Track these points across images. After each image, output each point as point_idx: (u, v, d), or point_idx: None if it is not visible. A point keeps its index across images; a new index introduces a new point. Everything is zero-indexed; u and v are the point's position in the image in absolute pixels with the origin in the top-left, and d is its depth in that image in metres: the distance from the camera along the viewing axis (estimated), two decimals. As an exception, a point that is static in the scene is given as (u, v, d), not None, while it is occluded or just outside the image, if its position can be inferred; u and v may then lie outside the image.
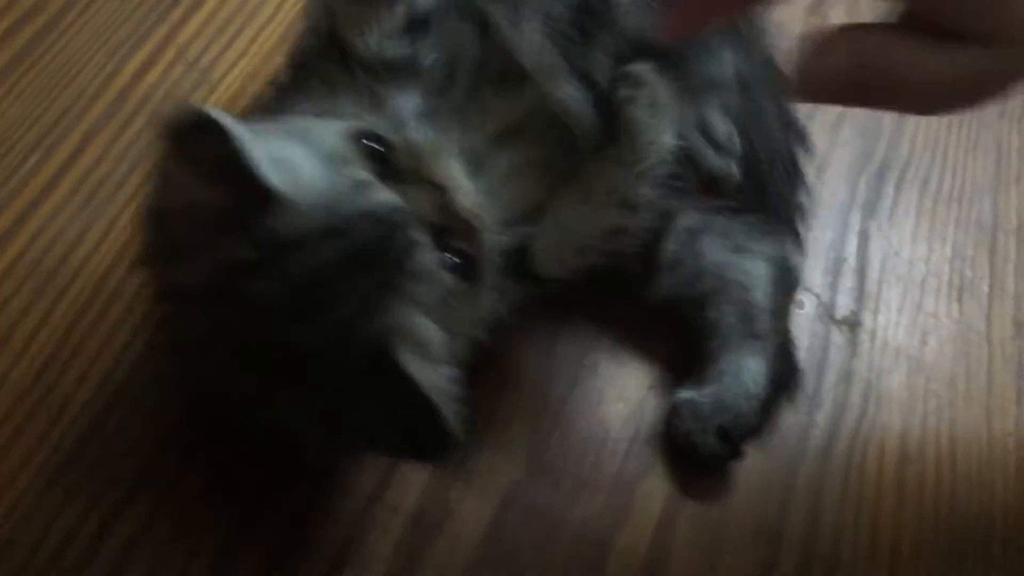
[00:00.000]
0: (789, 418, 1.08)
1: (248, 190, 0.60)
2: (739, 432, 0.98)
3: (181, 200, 0.65)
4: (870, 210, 1.27)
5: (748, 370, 1.01)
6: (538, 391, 1.03)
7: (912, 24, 0.48)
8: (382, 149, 0.71)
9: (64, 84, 1.09)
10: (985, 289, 1.24)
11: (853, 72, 0.48)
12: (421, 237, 0.68)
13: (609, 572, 0.93)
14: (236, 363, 0.65)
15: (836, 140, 1.30)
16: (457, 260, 0.72)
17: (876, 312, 1.18)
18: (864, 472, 1.06)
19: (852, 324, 1.17)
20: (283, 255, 0.61)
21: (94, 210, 1.02)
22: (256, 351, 0.63)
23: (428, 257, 0.68)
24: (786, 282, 1.07)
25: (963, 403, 1.14)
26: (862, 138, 1.33)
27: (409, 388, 0.62)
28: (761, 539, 0.99)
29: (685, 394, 1.00)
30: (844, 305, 1.18)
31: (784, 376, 1.05)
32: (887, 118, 1.36)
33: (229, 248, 0.62)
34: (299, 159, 0.66)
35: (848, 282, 1.20)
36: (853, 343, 1.15)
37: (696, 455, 0.98)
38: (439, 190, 0.72)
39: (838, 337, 1.15)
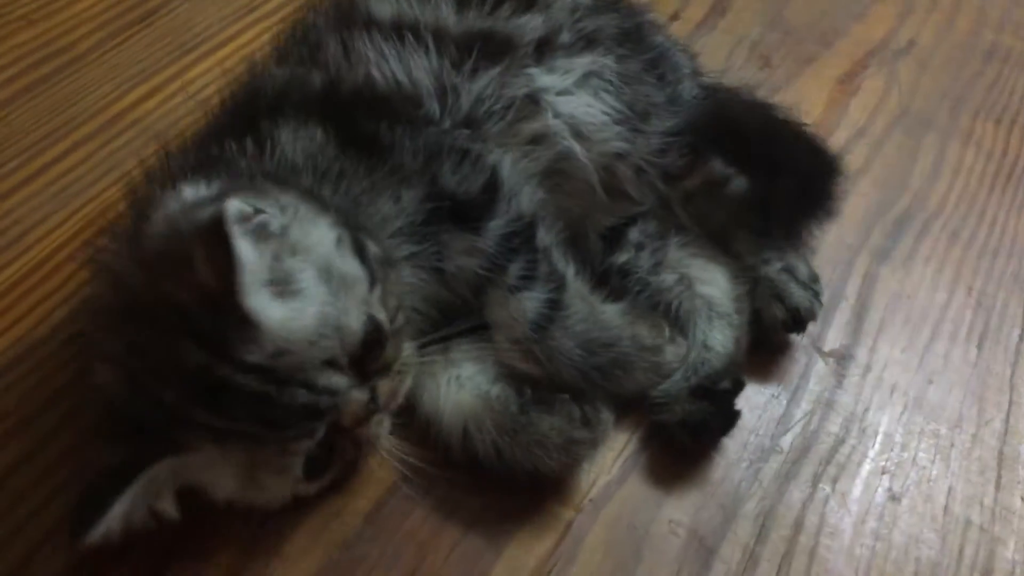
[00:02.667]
0: (750, 438, 0.96)
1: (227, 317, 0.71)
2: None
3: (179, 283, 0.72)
4: (882, 255, 1.17)
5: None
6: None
7: None
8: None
9: (71, 104, 1.21)
10: (1015, 337, 1.09)
11: None
12: (318, 431, 0.77)
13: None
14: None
15: (855, 189, 1.22)
16: (315, 457, 0.80)
17: (873, 350, 1.07)
18: (830, 502, 0.94)
19: (841, 357, 1.05)
20: (227, 365, 0.72)
21: (60, 201, 1.09)
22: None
23: (306, 443, 0.78)
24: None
25: (969, 445, 0.98)
26: (883, 189, 1.25)
27: None
28: (692, 553, 0.89)
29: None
30: (835, 339, 1.07)
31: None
32: (916, 173, 1.27)
33: (184, 347, 0.73)
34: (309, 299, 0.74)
35: (844, 318, 1.09)
36: (839, 375, 1.03)
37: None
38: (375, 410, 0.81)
39: (822, 367, 1.04)
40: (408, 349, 0.86)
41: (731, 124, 1.10)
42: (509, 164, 0.96)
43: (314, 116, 0.91)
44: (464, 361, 0.93)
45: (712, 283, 1.03)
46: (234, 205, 0.70)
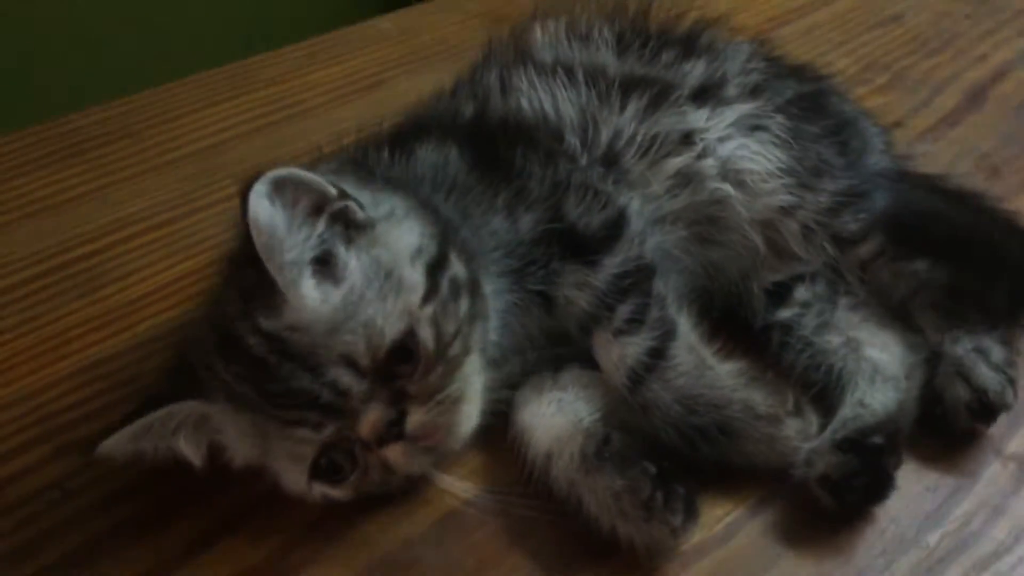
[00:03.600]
0: (889, 526, 0.83)
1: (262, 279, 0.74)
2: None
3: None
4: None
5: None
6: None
7: None
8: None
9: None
10: None
11: None
12: (322, 427, 0.76)
13: None
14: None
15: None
16: (332, 460, 0.78)
17: (1072, 465, 0.89)
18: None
19: (1023, 463, 0.89)
20: (245, 322, 0.75)
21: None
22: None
23: (308, 435, 0.76)
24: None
25: None
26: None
27: None
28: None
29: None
30: (1021, 444, 0.91)
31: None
32: None
33: (229, 296, 0.78)
34: (353, 282, 0.76)
35: None
36: (1020, 481, 0.87)
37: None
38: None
39: (998, 469, 0.89)
40: (475, 383, 0.82)
41: (932, 211, 1.02)
42: (639, 206, 0.92)
43: (456, 138, 0.94)
44: (572, 386, 0.88)
45: (882, 348, 0.93)
46: (276, 173, 0.72)
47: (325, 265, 0.76)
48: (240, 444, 0.80)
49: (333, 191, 0.77)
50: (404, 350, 0.76)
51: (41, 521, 0.83)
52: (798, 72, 1.10)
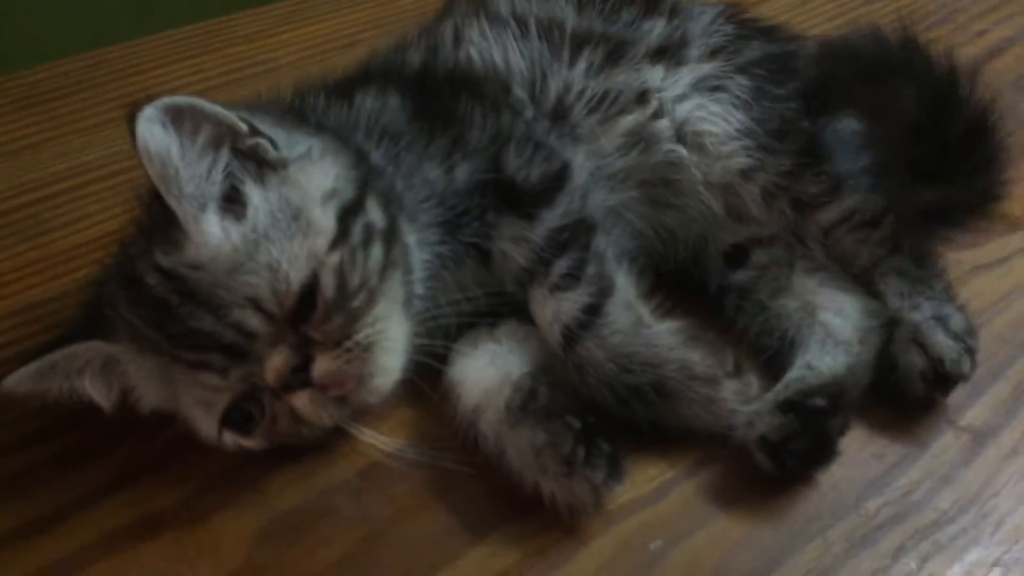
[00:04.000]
0: (828, 492, 0.80)
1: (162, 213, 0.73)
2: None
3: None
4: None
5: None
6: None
7: None
8: None
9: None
10: None
11: None
12: (228, 371, 0.73)
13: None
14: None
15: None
16: (241, 408, 0.76)
17: (1028, 436, 0.85)
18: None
19: (979, 434, 0.86)
20: (145, 260, 0.74)
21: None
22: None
23: (214, 379, 0.74)
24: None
25: None
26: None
27: None
28: None
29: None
30: (979, 415, 0.87)
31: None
32: None
33: (133, 236, 0.78)
34: (259, 209, 0.74)
35: (999, 395, 0.89)
36: (970, 453, 0.84)
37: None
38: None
39: (950, 440, 0.85)
40: (392, 334, 0.78)
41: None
42: (583, 161, 0.90)
43: (400, 86, 0.91)
44: (507, 339, 0.86)
45: (837, 312, 0.89)
46: (170, 100, 0.70)
47: (231, 203, 0.74)
48: (147, 388, 0.78)
49: (243, 126, 0.75)
50: (312, 295, 0.73)
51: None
52: (768, 33, 1.06)
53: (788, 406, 0.79)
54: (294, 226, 0.74)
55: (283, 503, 0.79)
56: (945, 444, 0.85)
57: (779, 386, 0.83)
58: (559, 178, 0.86)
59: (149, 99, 0.68)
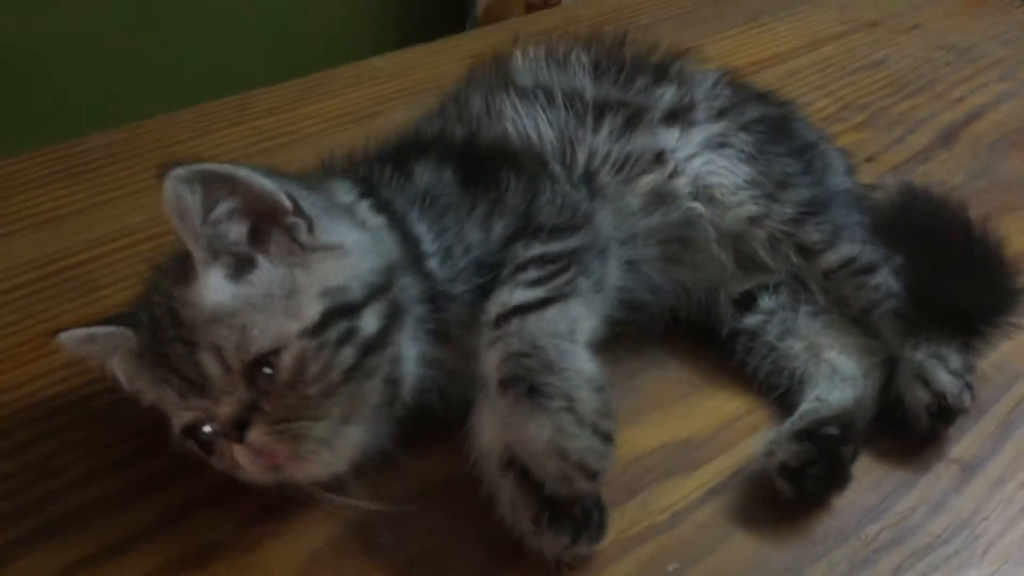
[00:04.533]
0: (828, 521, 0.87)
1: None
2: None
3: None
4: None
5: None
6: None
7: None
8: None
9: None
10: None
11: None
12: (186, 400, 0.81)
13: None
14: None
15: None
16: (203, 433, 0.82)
17: (1015, 467, 0.93)
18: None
19: (968, 466, 0.93)
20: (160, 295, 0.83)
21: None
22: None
23: (174, 400, 0.82)
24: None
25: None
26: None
27: None
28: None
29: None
30: (967, 448, 0.95)
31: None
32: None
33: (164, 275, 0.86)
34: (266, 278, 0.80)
35: (986, 429, 0.97)
36: (961, 481, 0.91)
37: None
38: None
39: (941, 470, 0.93)
40: (343, 435, 0.80)
41: (911, 213, 1.07)
42: (608, 219, 0.97)
43: (451, 160, 0.99)
44: None
45: (841, 351, 0.98)
46: (198, 167, 0.77)
47: (242, 263, 0.81)
48: (145, 384, 0.86)
49: (288, 204, 0.81)
50: (269, 366, 0.78)
51: (19, 496, 0.88)
52: (763, 97, 1.16)
53: (804, 435, 0.87)
54: (284, 304, 0.80)
55: (327, 532, 0.85)
56: (937, 474, 0.91)
57: (794, 417, 0.90)
58: (579, 224, 0.92)
59: (179, 163, 0.76)
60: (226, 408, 0.79)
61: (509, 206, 0.93)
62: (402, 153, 1.01)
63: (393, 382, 0.83)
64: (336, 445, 0.80)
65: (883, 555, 0.83)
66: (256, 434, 0.78)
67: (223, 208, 0.79)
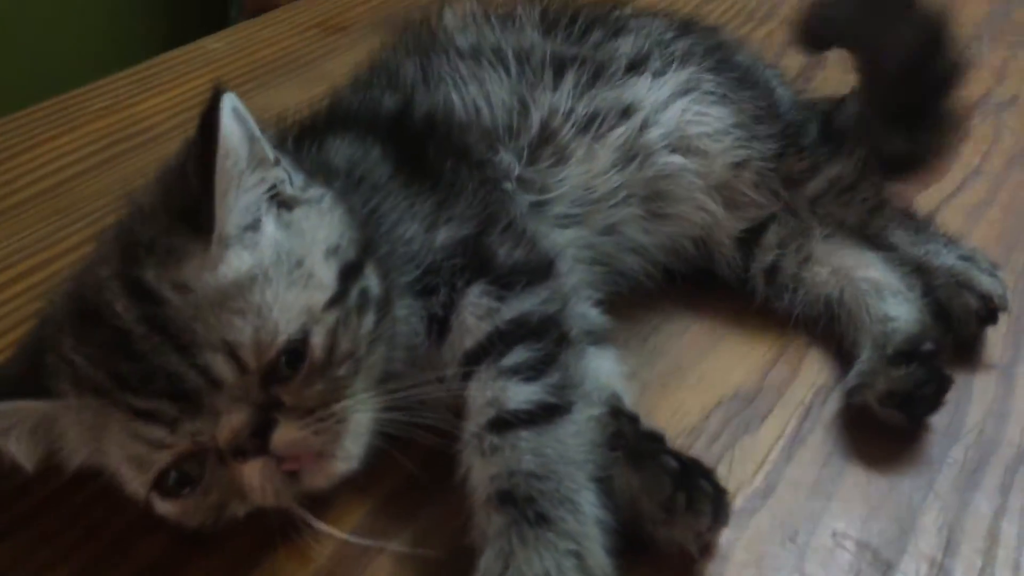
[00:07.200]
0: (913, 454, 0.82)
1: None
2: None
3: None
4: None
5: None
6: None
7: None
8: None
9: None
10: None
11: None
12: (177, 425, 0.64)
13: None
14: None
15: (984, 218, 1.10)
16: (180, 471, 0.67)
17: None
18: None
19: (1006, 370, 0.90)
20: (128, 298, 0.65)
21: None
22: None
23: (157, 433, 0.64)
24: None
25: None
26: (1014, 215, 1.12)
27: None
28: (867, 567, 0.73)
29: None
30: (992, 353, 0.92)
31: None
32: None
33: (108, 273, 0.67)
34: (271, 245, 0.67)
35: (999, 331, 0.93)
36: (1007, 385, 0.88)
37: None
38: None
39: (984, 379, 0.89)
40: (361, 418, 0.69)
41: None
42: (569, 243, 0.88)
43: (378, 134, 0.85)
44: None
45: (870, 267, 0.92)
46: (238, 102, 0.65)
47: (251, 231, 0.67)
48: (78, 442, 0.68)
49: (271, 154, 0.69)
50: (295, 354, 0.65)
51: None
52: (699, 29, 1.09)
53: (903, 357, 0.81)
54: (295, 273, 0.66)
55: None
56: (984, 384, 0.89)
57: (875, 342, 0.85)
58: (543, 270, 0.79)
59: (219, 89, 0.63)
60: (238, 419, 0.64)
61: (458, 212, 0.81)
62: (313, 126, 0.88)
63: (392, 347, 0.74)
64: (358, 432, 0.69)
65: (981, 476, 0.80)
66: (285, 433, 0.65)
67: (256, 155, 0.68)
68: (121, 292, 0.64)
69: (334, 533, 0.73)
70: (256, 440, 0.64)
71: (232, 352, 0.63)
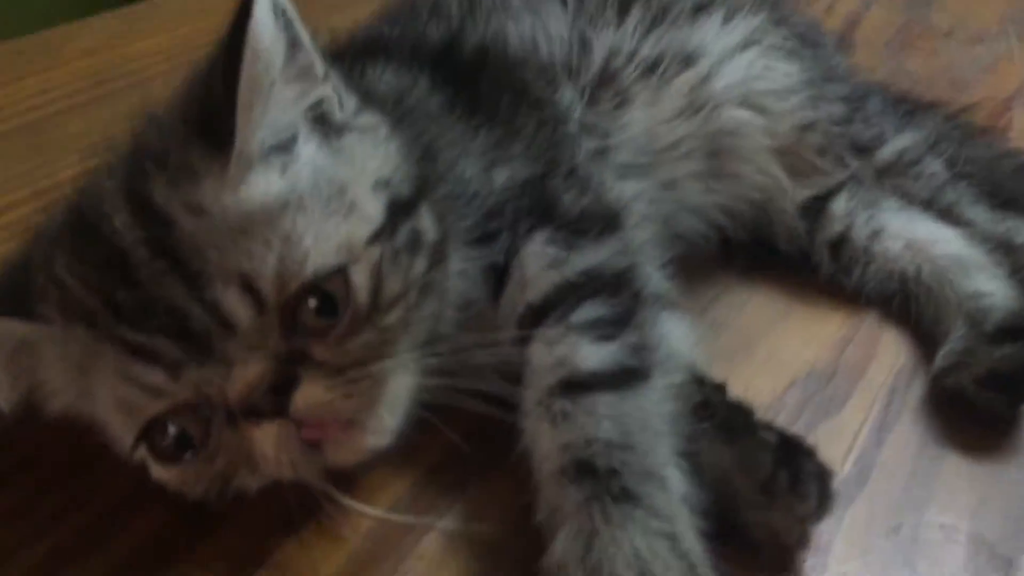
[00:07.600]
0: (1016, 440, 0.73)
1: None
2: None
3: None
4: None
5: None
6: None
7: None
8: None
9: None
10: None
11: None
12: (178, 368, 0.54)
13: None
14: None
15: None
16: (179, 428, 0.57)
17: None
18: None
19: None
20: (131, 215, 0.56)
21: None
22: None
23: (152, 374, 0.54)
24: None
25: None
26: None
27: None
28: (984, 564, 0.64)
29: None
30: None
31: None
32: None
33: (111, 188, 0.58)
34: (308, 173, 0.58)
35: None
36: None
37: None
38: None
39: None
40: (402, 383, 0.59)
41: None
42: (637, 194, 0.78)
43: (424, 66, 0.76)
44: None
45: (948, 242, 0.83)
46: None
47: (282, 151, 0.58)
48: (63, 380, 0.59)
49: (322, 69, 0.60)
50: (325, 297, 0.55)
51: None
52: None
53: (1005, 334, 0.73)
54: (336, 202, 0.57)
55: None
56: None
57: (962, 323, 0.76)
58: (612, 221, 0.71)
59: None
60: (254, 370, 0.54)
61: (518, 153, 0.72)
62: (354, 51, 0.78)
63: (443, 305, 0.64)
64: (395, 403, 0.59)
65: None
66: (310, 393, 0.55)
67: (298, 64, 0.58)
68: (123, 208, 0.55)
69: (366, 511, 0.63)
70: (273, 398, 0.54)
71: (248, 285, 0.53)
